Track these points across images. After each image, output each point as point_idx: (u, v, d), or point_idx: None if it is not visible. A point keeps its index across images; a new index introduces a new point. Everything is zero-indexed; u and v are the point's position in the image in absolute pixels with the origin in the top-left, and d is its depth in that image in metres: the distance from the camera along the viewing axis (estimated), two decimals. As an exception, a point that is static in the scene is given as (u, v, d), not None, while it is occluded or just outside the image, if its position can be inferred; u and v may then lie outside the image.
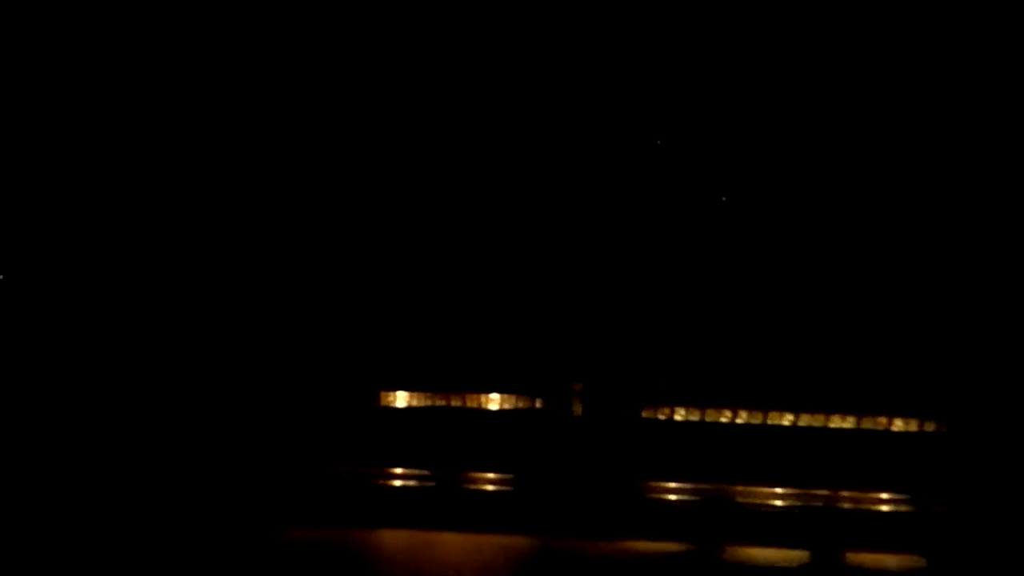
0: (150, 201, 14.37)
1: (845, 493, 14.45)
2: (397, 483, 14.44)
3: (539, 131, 15.15)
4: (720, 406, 15.26)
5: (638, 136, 15.53)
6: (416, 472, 14.53)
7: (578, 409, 15.19)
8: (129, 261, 14.24)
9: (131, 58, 14.16)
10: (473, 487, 14.65)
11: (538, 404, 15.06)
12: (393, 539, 13.96)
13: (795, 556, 14.10)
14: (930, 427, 14.75)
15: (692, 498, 14.72)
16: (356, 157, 14.90)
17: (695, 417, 15.26)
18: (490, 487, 14.60)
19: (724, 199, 15.44)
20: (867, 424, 14.86)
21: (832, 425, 14.86)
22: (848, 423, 14.85)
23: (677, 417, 15.30)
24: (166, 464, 13.70)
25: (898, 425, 14.77)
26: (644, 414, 15.33)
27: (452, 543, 13.96)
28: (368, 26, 14.77)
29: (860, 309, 14.97)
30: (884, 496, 14.52)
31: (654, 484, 14.87)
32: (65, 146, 14.11)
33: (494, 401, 14.94)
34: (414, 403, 14.81)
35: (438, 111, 14.83)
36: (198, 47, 14.23)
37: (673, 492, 14.81)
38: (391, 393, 14.82)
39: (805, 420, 14.92)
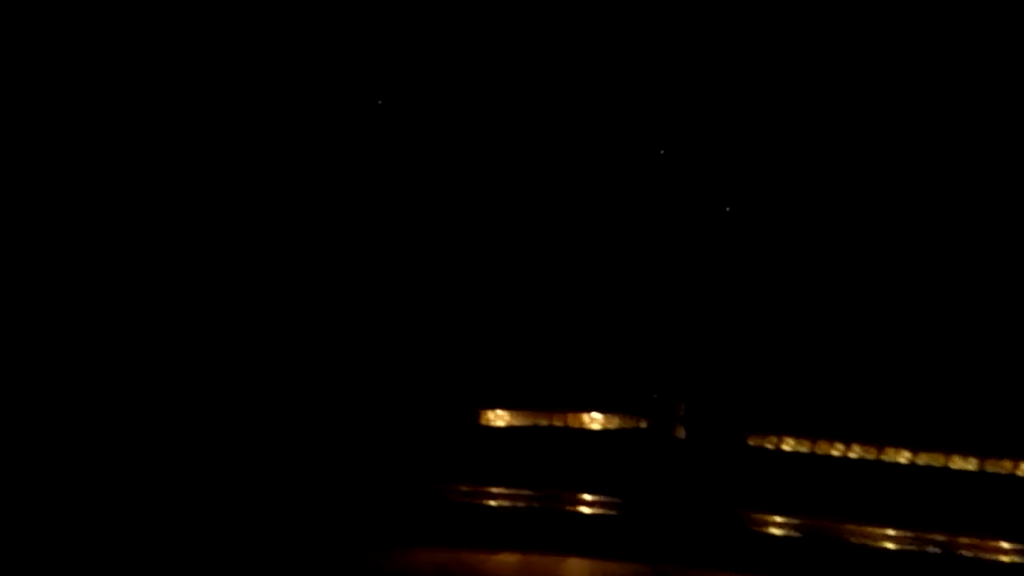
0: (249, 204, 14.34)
1: (964, 540, 13.62)
2: (495, 503, 14.30)
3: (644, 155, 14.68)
4: (832, 438, 14.63)
5: (754, 155, 14.94)
6: (515, 492, 14.37)
7: (681, 432, 14.80)
8: (212, 267, 14.26)
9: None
10: (572, 508, 14.41)
11: (642, 424, 14.71)
12: (492, 562, 13.86)
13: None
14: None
15: (797, 533, 14.18)
16: (466, 171, 14.66)
17: (804, 448, 14.67)
18: (589, 509, 14.36)
19: (844, 212, 14.77)
20: (991, 467, 14.03)
21: (953, 466, 14.08)
22: (971, 464, 14.05)
23: (785, 447, 14.74)
24: (263, 486, 13.76)
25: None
26: (750, 441, 14.82)
27: (548, 566, 13.79)
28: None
29: (999, 344, 14.12)
30: (1006, 546, 13.72)
31: (757, 516, 14.39)
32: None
33: (596, 421, 14.64)
34: (515, 422, 14.62)
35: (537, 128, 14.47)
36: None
37: (777, 526, 14.29)
38: (492, 411, 14.64)
39: (924, 459, 14.17)
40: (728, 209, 14.96)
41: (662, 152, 14.60)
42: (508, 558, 13.77)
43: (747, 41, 14.68)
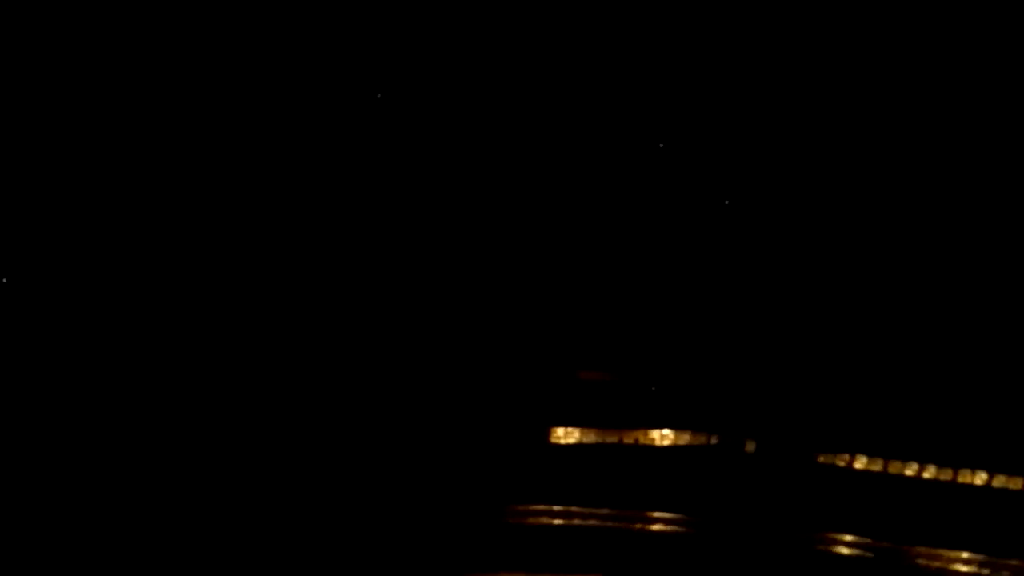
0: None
1: None
2: (566, 522, 14.30)
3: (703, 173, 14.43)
4: (904, 459, 14.53)
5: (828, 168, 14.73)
6: (587, 511, 14.37)
7: (751, 446, 14.73)
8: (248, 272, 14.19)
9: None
10: (643, 527, 14.41)
11: (713, 441, 14.65)
12: None
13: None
14: None
15: (867, 554, 14.11)
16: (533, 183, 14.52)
17: (876, 468, 14.57)
18: (660, 527, 14.34)
19: (918, 234, 14.56)
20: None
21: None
22: (1040, 490, 13.91)
23: (857, 466, 14.63)
24: (343, 509, 13.79)
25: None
26: (820, 459, 14.73)
27: None
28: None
29: None
30: None
31: (827, 536, 14.32)
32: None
33: (667, 438, 14.59)
34: (585, 439, 14.58)
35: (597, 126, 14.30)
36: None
37: (847, 546, 14.23)
38: (562, 429, 14.62)
39: (1000, 482, 14.05)
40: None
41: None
42: None
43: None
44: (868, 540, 14.01)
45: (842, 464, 14.62)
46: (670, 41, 14.32)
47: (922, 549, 13.82)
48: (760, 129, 14.69)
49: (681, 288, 14.75)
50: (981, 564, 13.73)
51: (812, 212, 14.66)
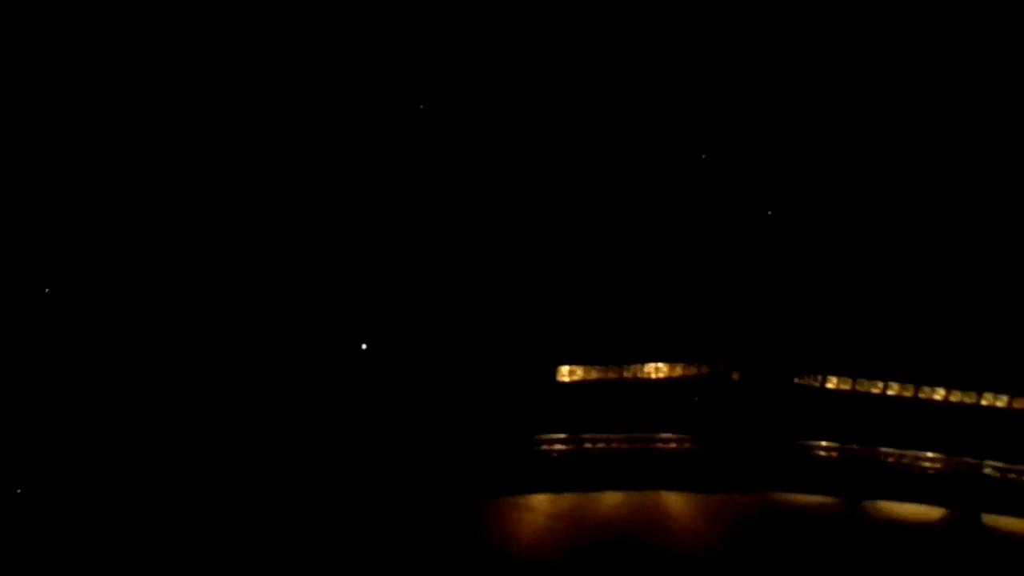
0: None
1: (989, 462, 15.46)
2: (588, 446, 15.71)
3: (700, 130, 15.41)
4: (872, 377, 16.19)
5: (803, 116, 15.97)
6: (601, 436, 15.84)
7: (736, 375, 16.30)
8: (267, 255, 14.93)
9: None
10: (654, 447, 15.92)
11: (703, 371, 16.20)
12: (600, 501, 15.02)
13: (937, 514, 15.37)
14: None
15: (841, 455, 15.86)
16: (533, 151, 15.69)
17: (846, 387, 16.26)
18: (668, 446, 15.88)
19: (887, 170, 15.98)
20: (1019, 404, 15.67)
21: (984, 403, 15.72)
22: (1000, 402, 15.69)
23: (828, 386, 16.31)
24: (376, 443, 14.84)
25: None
26: (797, 380, 16.39)
27: (649, 501, 15.16)
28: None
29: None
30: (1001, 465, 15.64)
31: (807, 443, 16.04)
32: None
33: (661, 371, 16.09)
34: (587, 376, 16.05)
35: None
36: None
37: (823, 450, 15.96)
38: (567, 368, 16.08)
39: (956, 396, 15.79)
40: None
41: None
42: (612, 497, 15.26)
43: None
44: (839, 444, 15.75)
45: (816, 384, 16.31)
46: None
47: (889, 449, 15.61)
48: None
49: (666, 243, 16.15)
50: (939, 461, 15.31)
51: (785, 159, 16.01)
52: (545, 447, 14.96)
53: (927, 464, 15.14)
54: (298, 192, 14.77)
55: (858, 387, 16.18)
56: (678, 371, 15.72)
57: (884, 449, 15.23)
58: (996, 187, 15.78)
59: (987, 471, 14.95)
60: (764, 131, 15.63)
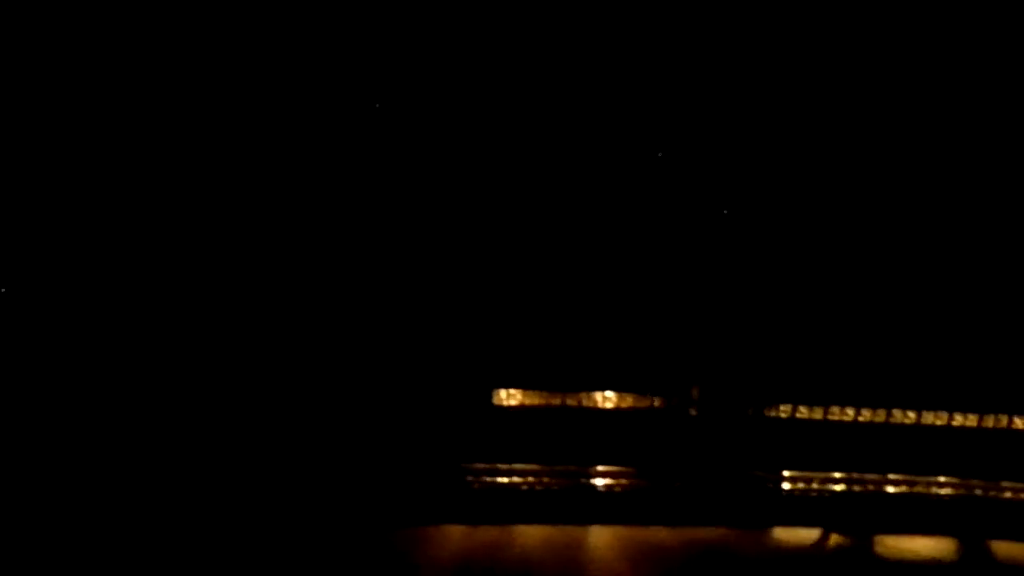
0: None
1: (975, 481, 14.38)
2: (513, 480, 14.92)
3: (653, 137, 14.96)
4: (843, 404, 15.13)
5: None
6: (532, 468, 15.00)
7: (694, 410, 15.36)
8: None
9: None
10: (589, 482, 15.01)
11: (656, 403, 15.32)
12: (516, 535, 14.14)
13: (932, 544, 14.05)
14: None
15: (812, 487, 14.63)
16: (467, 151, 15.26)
17: (817, 416, 15.20)
18: (606, 481, 14.92)
19: (848, 192, 15.23)
20: (989, 423, 14.46)
21: (955, 424, 14.53)
22: (970, 422, 14.49)
23: (799, 416, 15.28)
24: (274, 465, 14.05)
25: (1017, 424, 14.35)
26: (767, 412, 15.38)
27: (572, 536, 14.11)
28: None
29: (991, 307, 14.40)
30: (1006, 485, 14.43)
31: (769, 475, 14.89)
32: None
33: (610, 400, 15.26)
34: (528, 401, 15.30)
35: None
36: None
37: (787, 480, 14.77)
38: (505, 391, 15.35)
39: (927, 419, 14.66)
40: (725, 212, 15.55)
41: (659, 154, 15.24)
42: (532, 531, 14.21)
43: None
44: (809, 474, 14.58)
45: (784, 416, 15.26)
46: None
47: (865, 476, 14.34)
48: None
49: (620, 261, 15.48)
50: (911, 484, 14.40)
51: (743, 172, 15.09)
52: (471, 477, 14.24)
53: (895, 488, 13.82)
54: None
55: (829, 416, 15.06)
56: (628, 402, 14.86)
57: (859, 475, 13.96)
58: (964, 207, 14.77)
59: (976, 491, 13.61)
60: (724, 133, 14.96)
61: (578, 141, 15.17)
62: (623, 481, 14.63)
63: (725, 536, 14.11)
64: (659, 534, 13.99)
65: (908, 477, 14.61)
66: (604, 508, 14.53)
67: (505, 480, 14.70)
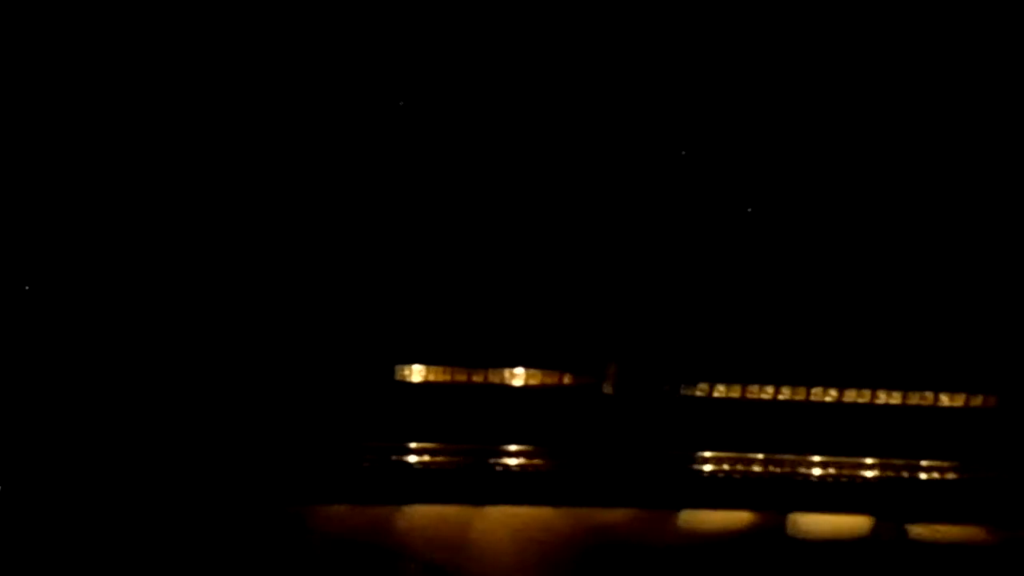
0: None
1: (895, 461, 14.01)
2: (412, 459, 14.20)
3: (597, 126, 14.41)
4: (762, 383, 14.55)
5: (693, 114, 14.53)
6: (433, 447, 14.25)
7: (609, 387, 14.69)
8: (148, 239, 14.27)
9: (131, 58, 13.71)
10: (494, 461, 14.30)
11: (566, 380, 14.62)
12: (408, 514, 13.60)
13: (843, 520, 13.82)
14: (978, 401, 13.73)
15: (731, 468, 14.11)
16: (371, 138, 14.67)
17: (735, 394, 14.58)
18: (512, 461, 14.24)
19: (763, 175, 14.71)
20: (913, 399, 13.91)
21: (878, 401, 13.97)
22: (894, 399, 13.91)
23: (716, 394, 14.67)
24: (174, 445, 13.37)
25: (944, 401, 13.78)
26: (683, 391, 14.75)
27: (464, 515, 13.61)
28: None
29: (908, 282, 14.09)
30: (924, 464, 14.13)
31: (693, 455, 14.25)
32: (65, 146, 13.69)
33: (518, 377, 14.54)
34: (432, 377, 14.52)
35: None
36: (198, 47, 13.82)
37: (708, 462, 14.21)
38: (408, 367, 14.56)
39: (850, 396, 14.09)
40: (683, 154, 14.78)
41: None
42: (425, 510, 13.59)
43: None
44: (731, 454, 13.97)
45: (702, 394, 14.63)
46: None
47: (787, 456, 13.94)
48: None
49: (534, 231, 14.79)
50: (835, 465, 14.01)
51: (662, 147, 14.51)
52: (368, 455, 13.41)
53: (820, 470, 13.25)
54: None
55: (748, 394, 14.40)
56: (537, 379, 14.09)
57: (781, 456, 13.35)
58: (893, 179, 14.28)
59: (890, 473, 13.09)
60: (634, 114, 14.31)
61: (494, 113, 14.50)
62: (532, 461, 13.90)
63: (634, 517, 13.44)
64: (562, 515, 13.27)
65: (829, 458, 13.80)
66: (509, 488, 13.83)
67: (404, 458, 13.83)
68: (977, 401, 14.29)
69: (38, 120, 13.39)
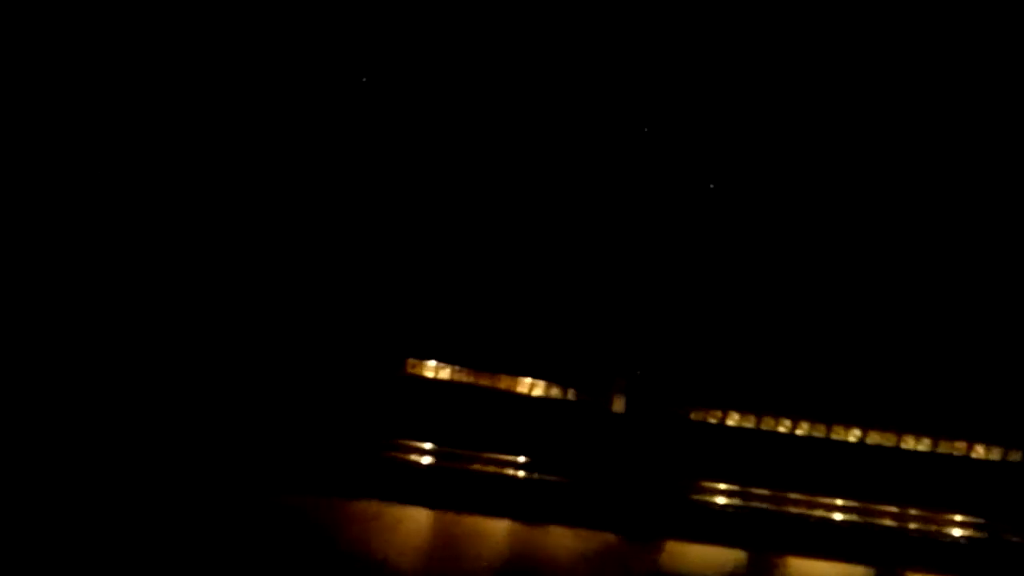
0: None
1: (913, 511, 13.05)
2: (420, 459, 13.43)
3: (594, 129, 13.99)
4: (779, 415, 13.60)
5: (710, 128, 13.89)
6: (439, 449, 13.47)
7: (620, 405, 13.90)
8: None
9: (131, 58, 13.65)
10: (496, 470, 13.49)
11: (570, 396, 13.85)
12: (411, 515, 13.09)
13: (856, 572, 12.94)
14: (1014, 456, 12.61)
15: (739, 502, 13.28)
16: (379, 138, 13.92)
17: (749, 424, 13.64)
18: (515, 472, 13.50)
19: (794, 198, 13.81)
20: (944, 448, 12.82)
21: (904, 446, 12.94)
22: (923, 445, 12.87)
23: (729, 422, 13.73)
24: (186, 436, 13.13)
25: (978, 452, 12.65)
26: (693, 416, 13.85)
27: (466, 526, 13.01)
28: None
29: (947, 326, 13.33)
30: (957, 519, 13.11)
31: (696, 484, 13.46)
32: (65, 146, 13.64)
33: (524, 385, 13.81)
34: (445, 376, 13.82)
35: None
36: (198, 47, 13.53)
37: (720, 494, 13.41)
38: (421, 362, 13.88)
39: (873, 439, 13.09)
40: (712, 186, 14.20)
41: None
42: (422, 514, 13.02)
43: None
44: (743, 488, 13.11)
45: (714, 421, 13.74)
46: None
47: (796, 495, 13.06)
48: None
49: (558, 246, 13.87)
50: (854, 510, 13.17)
51: (675, 163, 13.80)
52: (377, 451, 13.13)
53: (841, 515, 13.06)
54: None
55: (763, 425, 13.46)
56: (539, 390, 13.35)
57: (793, 495, 12.66)
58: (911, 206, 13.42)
59: (910, 524, 12.19)
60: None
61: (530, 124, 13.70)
62: (529, 474, 13.16)
63: (620, 545, 12.60)
64: (556, 533, 12.80)
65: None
66: (499, 498, 13.24)
67: (404, 457, 13.33)
68: (1015, 456, 13.14)
69: (38, 120, 13.42)
